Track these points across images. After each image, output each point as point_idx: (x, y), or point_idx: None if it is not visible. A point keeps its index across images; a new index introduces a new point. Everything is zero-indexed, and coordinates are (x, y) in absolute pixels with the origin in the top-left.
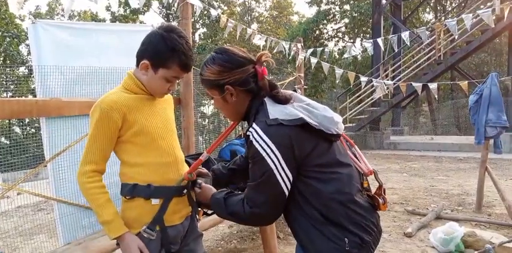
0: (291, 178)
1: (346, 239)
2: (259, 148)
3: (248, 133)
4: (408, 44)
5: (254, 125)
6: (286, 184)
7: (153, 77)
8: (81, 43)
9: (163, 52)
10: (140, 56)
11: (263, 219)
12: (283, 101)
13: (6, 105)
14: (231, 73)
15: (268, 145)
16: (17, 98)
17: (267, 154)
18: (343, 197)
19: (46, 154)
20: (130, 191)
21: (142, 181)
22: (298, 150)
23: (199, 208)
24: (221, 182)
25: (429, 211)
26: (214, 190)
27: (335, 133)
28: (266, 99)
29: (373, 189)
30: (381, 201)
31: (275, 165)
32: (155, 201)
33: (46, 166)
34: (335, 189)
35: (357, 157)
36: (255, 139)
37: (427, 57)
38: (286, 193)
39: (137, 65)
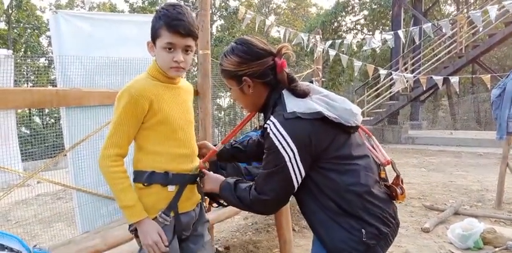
0: (303, 174)
1: (363, 230)
2: (276, 141)
3: (266, 125)
4: (432, 36)
5: (272, 118)
6: (297, 179)
7: (157, 53)
8: (101, 33)
9: (154, 24)
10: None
11: (266, 206)
12: (302, 94)
13: (27, 94)
14: (250, 65)
15: (284, 139)
16: (37, 87)
17: (283, 147)
18: (360, 188)
19: (66, 144)
20: (149, 178)
21: (160, 168)
22: (316, 144)
23: (208, 198)
24: (223, 157)
25: (447, 206)
26: (221, 177)
27: (354, 125)
28: (284, 92)
29: (391, 180)
30: (398, 191)
31: (289, 159)
32: (171, 188)
33: (66, 155)
34: (352, 180)
35: (374, 148)
36: (272, 131)
37: (447, 50)
38: (295, 186)
39: None
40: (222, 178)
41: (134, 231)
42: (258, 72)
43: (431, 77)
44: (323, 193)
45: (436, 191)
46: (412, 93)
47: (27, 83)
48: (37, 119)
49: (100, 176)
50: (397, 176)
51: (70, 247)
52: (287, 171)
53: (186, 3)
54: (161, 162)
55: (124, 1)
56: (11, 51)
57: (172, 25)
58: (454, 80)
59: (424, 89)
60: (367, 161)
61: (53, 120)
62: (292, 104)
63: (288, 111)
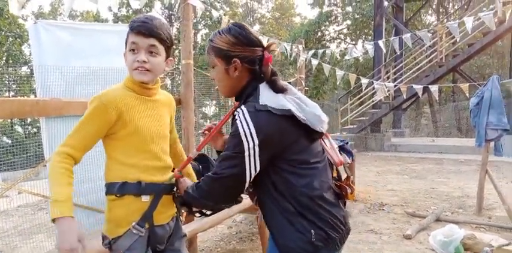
0: (258, 168)
1: (312, 231)
2: (240, 128)
3: (235, 112)
4: (410, 46)
5: (243, 107)
6: (250, 171)
7: (126, 58)
8: (82, 43)
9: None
10: None
11: (214, 188)
12: (279, 89)
13: (7, 104)
14: (244, 48)
15: (249, 128)
16: (18, 97)
17: (245, 135)
18: (313, 193)
19: (46, 154)
20: (121, 189)
21: (132, 179)
22: (278, 141)
23: (187, 210)
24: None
25: (429, 213)
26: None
27: (319, 131)
28: (262, 85)
29: (357, 183)
30: (348, 190)
31: (249, 148)
32: (145, 198)
33: (45, 165)
34: (306, 183)
35: (328, 148)
36: (240, 119)
37: (428, 59)
38: (246, 180)
39: None
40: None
41: (108, 244)
42: (248, 58)
43: (412, 86)
44: (280, 193)
45: (418, 198)
46: (394, 101)
47: (9, 92)
48: (19, 129)
49: (80, 187)
50: (348, 177)
51: None
52: (243, 159)
53: (170, 12)
54: (133, 173)
55: (108, 10)
56: None
57: (135, 26)
58: (434, 88)
59: (405, 97)
60: (323, 166)
61: (35, 130)
62: (266, 98)
63: (260, 103)
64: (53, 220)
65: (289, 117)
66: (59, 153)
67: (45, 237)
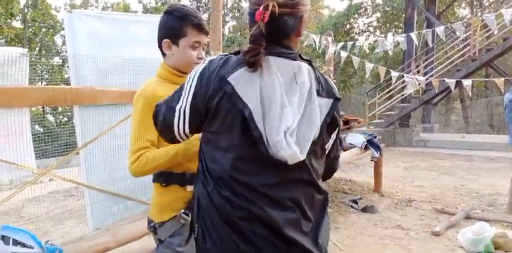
0: (187, 130)
1: None
2: (189, 76)
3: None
4: (444, 39)
5: (213, 56)
6: (179, 127)
7: (179, 51)
8: (114, 33)
9: (175, 24)
10: (160, 40)
11: (154, 116)
12: (245, 62)
13: (41, 92)
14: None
15: (192, 81)
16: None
17: (186, 84)
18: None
19: (78, 142)
20: (167, 179)
21: (177, 169)
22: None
23: None
24: None
25: (458, 210)
26: None
27: (279, 158)
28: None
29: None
30: None
31: (182, 100)
32: (190, 188)
33: (78, 153)
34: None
35: None
36: (199, 65)
37: (461, 53)
38: (175, 131)
39: (161, 50)
40: None
41: (153, 228)
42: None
43: (444, 80)
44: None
45: (447, 195)
46: (424, 95)
47: (41, 82)
48: (50, 117)
49: (111, 174)
50: None
51: (81, 244)
52: (174, 110)
53: (198, 4)
54: (178, 162)
55: (138, 1)
56: (26, 50)
57: (200, 25)
58: (466, 83)
59: (436, 91)
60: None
61: (66, 119)
62: (242, 76)
63: (227, 77)
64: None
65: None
66: (132, 163)
67: (76, 222)
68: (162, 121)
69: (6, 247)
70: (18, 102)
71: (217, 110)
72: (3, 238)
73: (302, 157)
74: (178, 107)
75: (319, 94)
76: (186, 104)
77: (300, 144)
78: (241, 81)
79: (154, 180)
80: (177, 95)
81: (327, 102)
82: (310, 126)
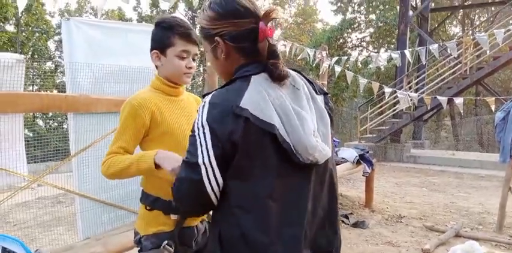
0: (220, 180)
1: None
2: (196, 126)
3: (202, 99)
4: (437, 56)
5: (210, 96)
6: (210, 182)
7: (167, 61)
8: (111, 41)
9: (162, 34)
10: (150, 52)
11: (175, 197)
12: (277, 77)
13: (37, 98)
14: (224, 22)
15: (203, 129)
16: (47, 92)
17: (199, 136)
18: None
19: (72, 149)
20: (152, 203)
21: (165, 195)
22: (243, 153)
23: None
24: None
25: (448, 228)
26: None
27: (308, 162)
28: (255, 77)
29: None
30: None
31: (202, 153)
32: (174, 217)
33: (70, 160)
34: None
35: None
36: (199, 113)
37: (452, 71)
38: (211, 195)
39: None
40: None
41: (138, 240)
42: (232, 34)
43: (436, 97)
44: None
45: (437, 212)
46: (416, 112)
47: (33, 86)
48: (40, 122)
49: (103, 183)
50: None
51: None
52: (198, 166)
53: (194, 14)
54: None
55: (133, 9)
56: (23, 56)
57: (186, 34)
58: (458, 101)
59: (428, 108)
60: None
61: (56, 124)
62: (252, 97)
63: (239, 104)
64: (155, 165)
65: (268, 132)
66: (107, 154)
67: (65, 230)
68: (188, 186)
69: None
70: (12, 108)
71: (246, 141)
72: None
73: (329, 154)
74: (200, 161)
75: (316, 93)
76: (208, 153)
77: (326, 142)
78: (254, 103)
79: (141, 200)
80: (191, 152)
81: (322, 98)
82: (324, 123)
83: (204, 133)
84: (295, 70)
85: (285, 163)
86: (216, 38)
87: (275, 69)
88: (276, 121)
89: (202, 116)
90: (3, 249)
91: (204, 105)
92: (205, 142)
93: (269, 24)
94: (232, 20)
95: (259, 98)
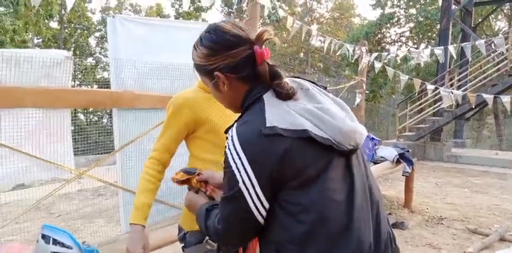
0: (266, 205)
1: None
2: (230, 159)
3: (227, 135)
4: (484, 52)
5: (234, 128)
6: (258, 209)
7: None
8: (154, 39)
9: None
10: None
11: (222, 238)
12: (285, 96)
13: (83, 95)
14: (219, 57)
15: (240, 159)
16: (93, 88)
17: (237, 168)
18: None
19: (116, 144)
20: None
21: None
22: (283, 172)
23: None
24: None
25: (492, 231)
26: (204, 199)
27: (347, 149)
28: (266, 96)
29: None
30: None
31: (244, 184)
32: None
33: (114, 154)
34: (303, 233)
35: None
36: (228, 146)
37: (497, 67)
38: (259, 219)
39: None
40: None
41: (183, 236)
42: (231, 65)
43: (481, 95)
44: (267, 243)
45: (480, 214)
46: (458, 110)
47: (74, 81)
48: (81, 116)
49: None
50: None
51: (115, 246)
52: (243, 198)
53: (229, 10)
54: (211, 169)
55: (170, 6)
56: (71, 53)
57: None
58: (505, 99)
59: (473, 106)
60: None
61: (96, 118)
62: (273, 114)
63: (267, 125)
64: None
65: (304, 138)
66: (148, 158)
67: (105, 222)
68: (233, 210)
69: (47, 246)
70: (61, 103)
71: (289, 158)
72: (44, 237)
73: (365, 132)
74: (240, 184)
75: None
76: (247, 175)
77: (358, 123)
78: (278, 118)
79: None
80: (230, 181)
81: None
82: (346, 109)
83: (243, 166)
84: (293, 77)
85: (331, 160)
86: (215, 73)
87: (281, 89)
88: (307, 125)
89: (235, 149)
90: (55, 241)
91: (232, 139)
92: (242, 164)
93: (263, 46)
94: (227, 53)
95: (281, 111)
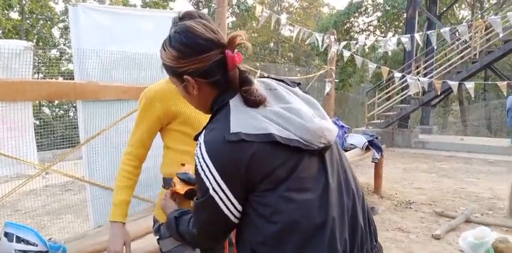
0: (239, 207)
1: None
2: (198, 165)
3: (197, 142)
4: (449, 40)
5: (202, 135)
6: (232, 212)
7: None
8: (119, 28)
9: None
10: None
11: (199, 240)
12: (253, 104)
13: (45, 86)
14: (190, 60)
15: (207, 166)
16: (55, 80)
17: (206, 175)
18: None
19: (81, 137)
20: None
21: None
22: (251, 176)
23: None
24: None
25: (458, 214)
26: (173, 207)
27: (317, 147)
28: (233, 101)
29: None
30: None
31: (214, 189)
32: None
33: (80, 148)
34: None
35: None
36: (197, 155)
37: (461, 55)
38: (234, 221)
39: None
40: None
41: (157, 228)
42: (201, 70)
43: (446, 82)
44: (241, 242)
45: (446, 197)
46: (424, 97)
47: (38, 74)
48: (47, 110)
49: (113, 170)
50: None
51: (83, 242)
52: (215, 204)
53: (198, 0)
54: (186, 160)
55: None
56: (31, 43)
57: None
58: (469, 85)
59: (438, 93)
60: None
61: (62, 112)
62: (239, 120)
63: (231, 131)
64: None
65: (271, 141)
66: (124, 154)
67: (73, 217)
68: (207, 215)
69: (10, 244)
70: (21, 96)
71: (256, 162)
72: (7, 235)
73: (336, 130)
74: (211, 191)
75: (290, 86)
76: (216, 182)
77: (327, 121)
78: (242, 123)
79: (164, 187)
80: (201, 187)
81: (297, 89)
82: (315, 107)
83: (211, 174)
84: (262, 77)
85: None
86: (184, 76)
87: (249, 96)
88: (272, 128)
89: (203, 157)
90: (18, 238)
91: (200, 147)
92: (217, 183)
93: (235, 51)
94: (197, 57)
95: (246, 116)
